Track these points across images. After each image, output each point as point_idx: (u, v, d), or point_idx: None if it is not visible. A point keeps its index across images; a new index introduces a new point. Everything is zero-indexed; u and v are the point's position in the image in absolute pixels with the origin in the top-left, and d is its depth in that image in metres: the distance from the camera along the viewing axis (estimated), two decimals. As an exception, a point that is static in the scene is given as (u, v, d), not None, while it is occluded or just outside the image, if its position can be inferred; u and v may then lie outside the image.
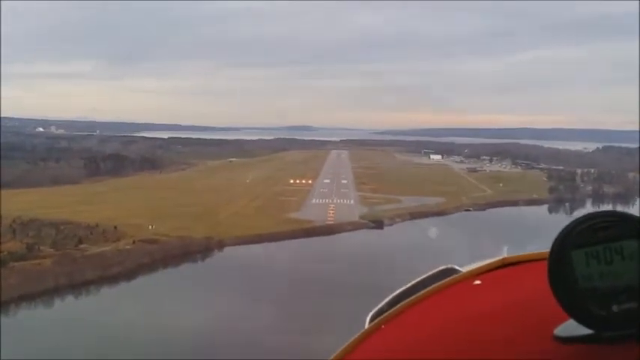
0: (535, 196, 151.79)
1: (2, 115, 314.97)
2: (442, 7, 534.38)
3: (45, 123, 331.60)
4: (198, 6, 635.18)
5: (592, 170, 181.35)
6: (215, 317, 63.48)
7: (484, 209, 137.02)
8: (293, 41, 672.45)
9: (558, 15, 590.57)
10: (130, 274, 78.22)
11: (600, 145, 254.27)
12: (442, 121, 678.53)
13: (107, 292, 73.02)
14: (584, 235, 1.21)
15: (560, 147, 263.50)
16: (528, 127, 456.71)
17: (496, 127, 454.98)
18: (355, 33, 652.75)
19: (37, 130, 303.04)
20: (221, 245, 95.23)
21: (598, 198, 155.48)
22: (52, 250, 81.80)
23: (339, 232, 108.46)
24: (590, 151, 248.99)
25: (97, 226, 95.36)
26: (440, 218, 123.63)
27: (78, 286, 71.66)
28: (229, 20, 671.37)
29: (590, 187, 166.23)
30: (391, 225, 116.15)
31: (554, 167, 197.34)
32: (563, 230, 1.22)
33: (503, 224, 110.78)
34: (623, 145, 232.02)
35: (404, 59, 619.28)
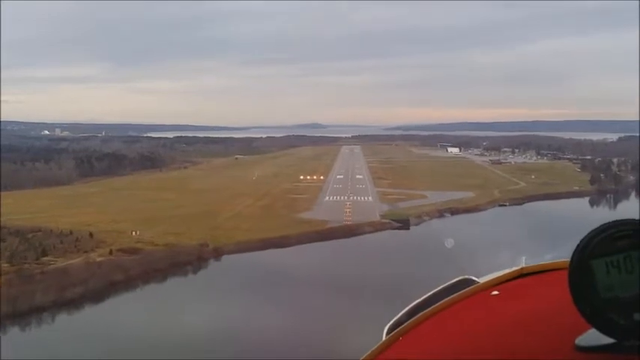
0: (576, 187, 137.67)
1: (11, 119, 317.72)
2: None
3: (51, 126, 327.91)
4: (205, 6, 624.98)
5: (629, 159, 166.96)
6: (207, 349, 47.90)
7: (521, 203, 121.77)
8: (299, 38, 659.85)
9: (566, 5, 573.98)
10: (95, 296, 61.43)
11: (622, 135, 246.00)
12: (453, 116, 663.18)
13: (61, 322, 56.55)
14: (604, 244, 1.21)
15: (581, 137, 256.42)
16: (540, 119, 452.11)
17: (508, 121, 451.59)
18: (363, 29, 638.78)
19: (42, 133, 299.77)
20: (217, 254, 79.80)
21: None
22: (7, 265, 66.37)
23: (359, 233, 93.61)
24: (614, 140, 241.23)
25: (70, 233, 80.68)
26: (474, 215, 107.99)
27: (25, 315, 55.49)
28: (235, 19, 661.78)
29: (632, 177, 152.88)
30: (418, 224, 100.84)
31: (582, 157, 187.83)
32: (582, 240, 1.22)
33: (551, 221, 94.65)
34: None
35: (412, 54, 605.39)
